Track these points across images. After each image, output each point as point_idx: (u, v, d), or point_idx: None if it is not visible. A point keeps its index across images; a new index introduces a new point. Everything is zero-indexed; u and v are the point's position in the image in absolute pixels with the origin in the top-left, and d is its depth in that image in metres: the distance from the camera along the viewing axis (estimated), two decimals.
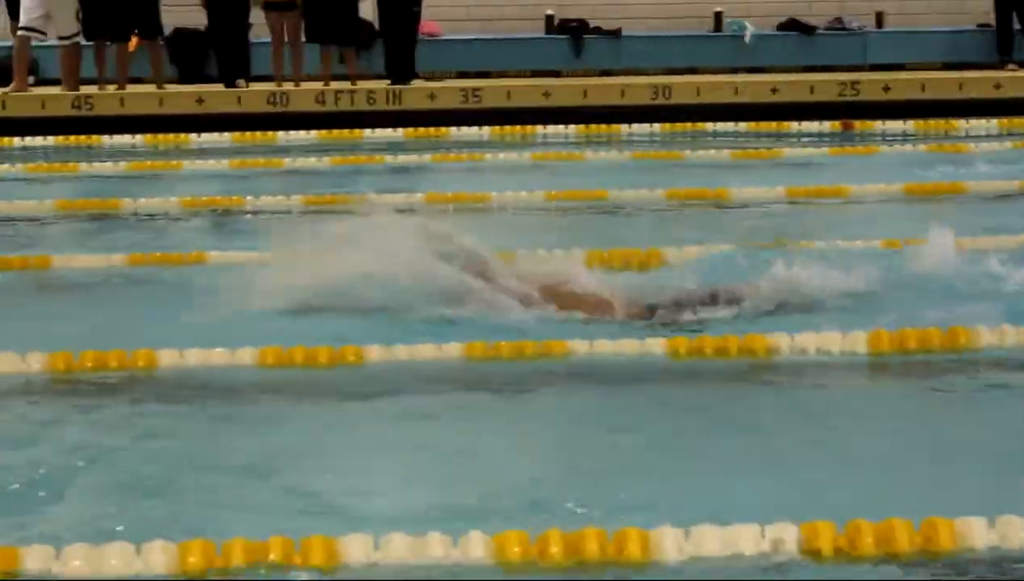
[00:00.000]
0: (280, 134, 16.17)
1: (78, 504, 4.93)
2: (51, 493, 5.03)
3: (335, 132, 16.29)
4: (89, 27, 17.75)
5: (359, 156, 14.63)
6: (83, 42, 17.90)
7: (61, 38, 17.71)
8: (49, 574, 4.23)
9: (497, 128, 16.20)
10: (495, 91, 17.54)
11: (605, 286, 7.36)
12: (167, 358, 6.60)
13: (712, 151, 14.47)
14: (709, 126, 16.24)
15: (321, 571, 4.24)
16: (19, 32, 17.56)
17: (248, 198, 11.63)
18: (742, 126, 16.22)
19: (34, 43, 17.88)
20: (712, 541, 4.31)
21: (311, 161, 14.35)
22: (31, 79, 18.39)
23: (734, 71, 20.31)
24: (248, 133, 16.18)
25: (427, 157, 14.52)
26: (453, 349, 6.63)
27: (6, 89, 17.68)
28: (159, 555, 4.24)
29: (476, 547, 4.27)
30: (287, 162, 14.30)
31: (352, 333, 6.83)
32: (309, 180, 13.11)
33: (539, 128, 16.22)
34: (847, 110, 16.84)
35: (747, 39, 20.93)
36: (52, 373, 6.53)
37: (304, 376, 6.48)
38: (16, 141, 15.72)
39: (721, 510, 4.47)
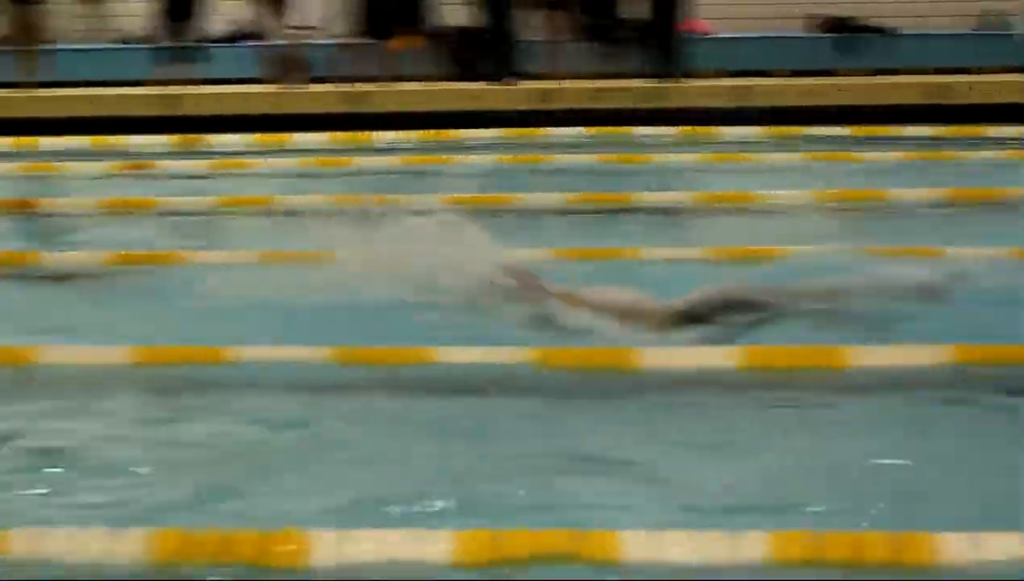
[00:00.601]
0: (549, 131, 16.25)
1: (360, 490, 5.06)
2: (330, 480, 5.16)
3: (603, 129, 16.31)
4: (362, 25, 18.15)
5: (627, 154, 14.60)
6: (356, 40, 18.30)
7: (334, 36, 18.12)
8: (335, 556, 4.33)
9: (767, 128, 16.04)
10: (765, 90, 17.38)
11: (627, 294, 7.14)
12: (441, 355, 6.67)
13: (990, 152, 14.10)
14: (988, 129, 15.76)
15: (599, 566, 4.23)
16: (293, 30, 18.01)
17: (517, 195, 11.68)
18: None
19: (308, 41, 18.34)
20: (996, 546, 4.21)
21: (579, 158, 14.37)
22: (305, 76, 18.86)
23: (1011, 71, 19.75)
24: (517, 129, 16.30)
25: (696, 156, 14.43)
26: (735, 354, 6.57)
27: (281, 86, 18.17)
28: (440, 544, 4.30)
29: (755, 546, 4.23)
30: (555, 159, 14.35)
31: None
32: (577, 178, 13.14)
33: (810, 128, 16.01)
34: None
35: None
36: (326, 363, 6.66)
37: (579, 376, 6.50)
38: (291, 137, 16.10)
39: (1008, 516, 4.37)
